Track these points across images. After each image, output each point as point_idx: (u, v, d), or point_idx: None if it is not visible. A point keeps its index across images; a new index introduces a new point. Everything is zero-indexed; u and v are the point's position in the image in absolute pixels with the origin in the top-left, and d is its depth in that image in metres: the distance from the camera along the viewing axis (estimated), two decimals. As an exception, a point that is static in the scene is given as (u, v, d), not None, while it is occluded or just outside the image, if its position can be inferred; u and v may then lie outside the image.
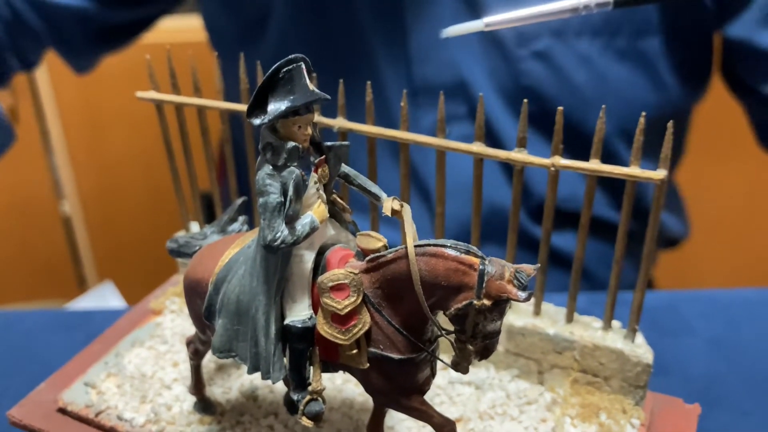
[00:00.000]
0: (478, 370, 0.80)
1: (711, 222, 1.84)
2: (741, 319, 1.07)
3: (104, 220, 2.27)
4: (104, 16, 1.40)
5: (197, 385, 0.74)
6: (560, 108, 0.66)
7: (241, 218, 0.74)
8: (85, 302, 1.78)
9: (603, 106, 0.65)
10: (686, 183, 1.47)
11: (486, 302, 0.53)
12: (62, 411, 0.77)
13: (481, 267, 0.53)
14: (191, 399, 0.76)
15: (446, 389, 0.77)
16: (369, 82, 0.74)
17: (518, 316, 0.78)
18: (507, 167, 1.20)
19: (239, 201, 0.74)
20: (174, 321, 0.89)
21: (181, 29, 1.86)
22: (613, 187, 1.19)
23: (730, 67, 1.22)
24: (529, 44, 1.13)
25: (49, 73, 2.04)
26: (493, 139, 1.16)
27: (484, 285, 0.52)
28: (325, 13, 1.19)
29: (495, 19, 0.63)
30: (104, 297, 1.93)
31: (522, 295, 0.52)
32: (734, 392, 0.92)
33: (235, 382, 0.79)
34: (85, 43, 1.44)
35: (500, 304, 0.53)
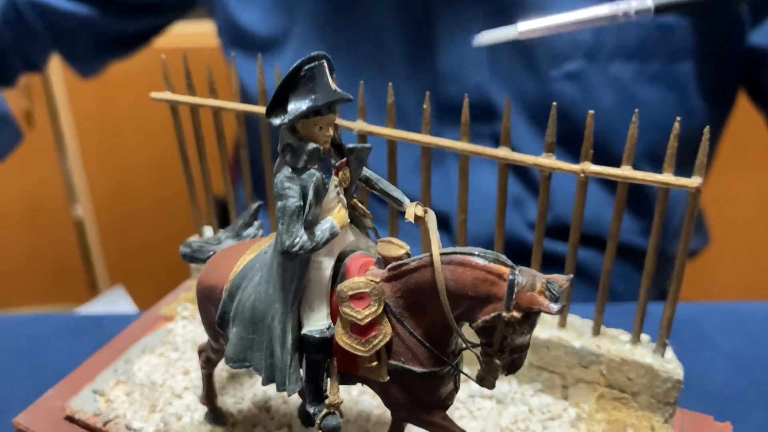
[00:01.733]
0: (500, 384, 0.77)
1: (731, 233, 1.81)
2: (763, 333, 1.04)
3: (117, 224, 2.26)
4: (110, 25, 1.39)
5: (209, 395, 0.72)
6: (591, 111, 0.64)
7: (257, 223, 0.71)
8: (95, 306, 1.77)
9: (636, 110, 0.63)
10: (706, 193, 1.44)
11: (516, 314, 0.50)
12: (70, 419, 0.74)
13: (511, 277, 0.50)
14: (202, 409, 0.73)
15: (467, 403, 0.75)
16: (390, 84, 0.72)
17: (543, 328, 0.75)
18: (523, 189, 1.17)
19: (255, 205, 0.72)
20: (186, 327, 0.87)
21: (196, 34, 1.85)
22: (636, 210, 1.17)
23: (752, 75, 1.20)
24: (562, 65, 1.11)
25: (64, 76, 2.03)
26: (524, 168, 1.15)
27: (514, 296, 0.50)
28: (350, 33, 1.17)
29: (529, 26, 0.60)
30: (115, 301, 1.92)
31: (554, 307, 0.49)
32: (758, 408, 0.90)
33: (248, 392, 0.77)
34: (91, 50, 1.43)
35: (531, 317, 0.50)
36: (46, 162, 2.16)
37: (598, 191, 1.13)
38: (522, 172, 1.15)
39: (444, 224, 1.16)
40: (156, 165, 2.13)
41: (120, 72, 1.75)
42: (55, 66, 1.95)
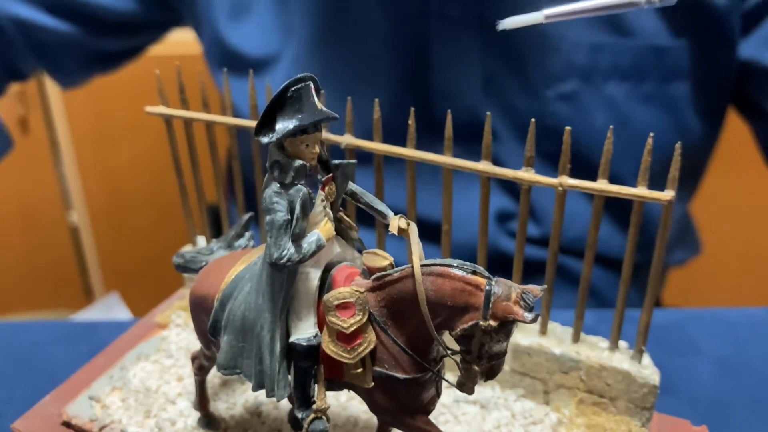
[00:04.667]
0: (484, 390, 0.79)
1: (719, 240, 1.83)
2: (748, 338, 1.06)
3: (112, 231, 2.28)
4: (93, 42, 1.38)
5: (202, 401, 0.74)
6: (568, 128, 0.66)
7: (248, 234, 0.74)
8: (91, 313, 1.79)
9: (611, 126, 0.65)
10: (696, 201, 1.46)
11: (492, 323, 0.52)
12: (66, 424, 0.76)
13: (487, 287, 0.53)
14: (195, 414, 0.76)
15: (451, 408, 0.77)
16: (377, 99, 0.75)
17: (524, 335, 0.77)
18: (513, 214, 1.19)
19: (246, 216, 0.74)
20: (179, 335, 0.89)
21: (190, 42, 1.86)
22: (624, 227, 1.18)
23: (739, 87, 1.21)
24: (557, 86, 1.12)
25: (60, 84, 2.05)
26: (513, 183, 1.16)
27: (490, 306, 0.52)
28: (343, 53, 1.17)
29: (555, 11, 0.61)
30: (110, 308, 1.94)
31: (528, 316, 0.52)
32: (742, 414, 0.91)
33: (240, 398, 0.79)
34: (74, 66, 1.43)
35: (507, 326, 0.53)
36: (42, 169, 2.17)
37: (589, 209, 1.15)
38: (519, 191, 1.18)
39: (435, 236, 1.18)
40: (151, 172, 2.14)
41: (115, 79, 1.76)
42: (51, 74, 1.97)
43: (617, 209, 1.10)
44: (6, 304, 2.15)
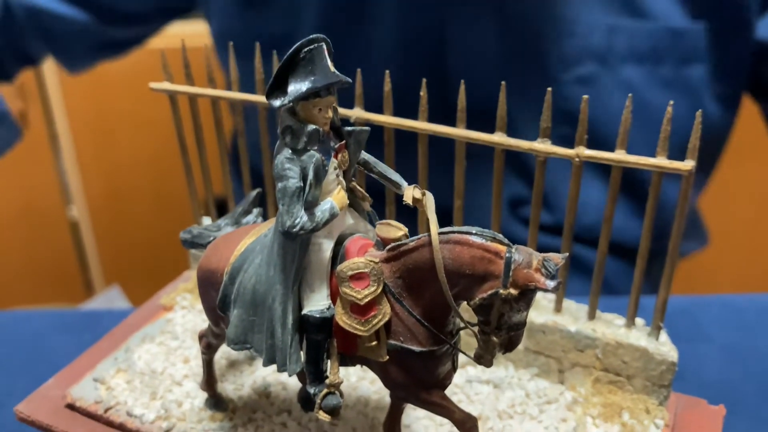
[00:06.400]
0: (497, 369, 0.78)
1: (727, 227, 1.82)
2: (756, 325, 1.06)
3: (112, 225, 2.27)
4: (104, 30, 1.40)
5: (209, 381, 0.72)
6: (585, 96, 0.65)
7: (256, 210, 0.72)
8: (91, 307, 1.78)
9: (629, 95, 0.64)
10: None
11: (513, 291, 0.51)
12: (71, 407, 0.75)
13: (507, 255, 0.51)
14: (202, 395, 0.74)
15: (464, 388, 0.75)
16: (387, 71, 0.73)
17: (539, 312, 0.76)
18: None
19: (254, 193, 0.73)
20: (185, 317, 0.88)
21: (192, 34, 1.85)
22: (635, 214, 1.17)
23: (754, 69, 1.19)
24: (574, 69, 1.11)
25: (59, 77, 2.04)
26: (528, 169, 1.15)
27: (510, 273, 0.51)
28: (357, 36, 1.16)
29: None
30: (111, 301, 1.93)
31: (551, 284, 0.50)
32: (752, 398, 0.91)
33: (248, 379, 0.77)
34: (83, 52, 1.45)
35: (527, 294, 0.51)
36: (41, 163, 2.16)
37: (602, 196, 1.13)
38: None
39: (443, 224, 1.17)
40: (150, 165, 2.13)
41: (114, 72, 1.76)
42: (50, 66, 1.96)
43: (629, 196, 1.09)
44: (6, 299, 2.13)
